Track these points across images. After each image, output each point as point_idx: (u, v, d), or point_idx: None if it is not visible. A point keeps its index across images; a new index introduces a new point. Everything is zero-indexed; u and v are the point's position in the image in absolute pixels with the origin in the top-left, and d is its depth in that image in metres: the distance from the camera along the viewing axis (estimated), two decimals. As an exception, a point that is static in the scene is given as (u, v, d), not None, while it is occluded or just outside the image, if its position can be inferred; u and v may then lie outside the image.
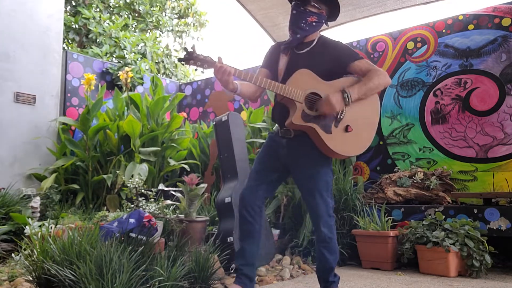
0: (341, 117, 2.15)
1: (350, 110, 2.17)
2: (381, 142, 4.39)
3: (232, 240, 3.05)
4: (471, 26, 4.02)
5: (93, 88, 4.73)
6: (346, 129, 2.16)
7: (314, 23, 2.23)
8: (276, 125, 2.37)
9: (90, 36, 7.19)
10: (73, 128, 5.17)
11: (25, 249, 2.49)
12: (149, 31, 8.87)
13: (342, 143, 2.15)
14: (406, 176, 3.91)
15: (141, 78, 5.98)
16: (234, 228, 3.09)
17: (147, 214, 2.64)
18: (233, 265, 2.67)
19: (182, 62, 2.11)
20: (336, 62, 2.23)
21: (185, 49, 2.10)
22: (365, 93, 2.15)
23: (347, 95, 2.10)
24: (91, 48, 6.64)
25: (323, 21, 2.28)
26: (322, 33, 2.38)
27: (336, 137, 2.14)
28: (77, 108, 5.40)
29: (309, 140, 2.20)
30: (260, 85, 2.13)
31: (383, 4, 4.42)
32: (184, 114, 5.33)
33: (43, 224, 2.90)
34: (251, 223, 2.23)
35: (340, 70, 2.24)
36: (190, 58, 2.08)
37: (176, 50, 9.43)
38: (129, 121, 4.57)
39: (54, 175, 4.46)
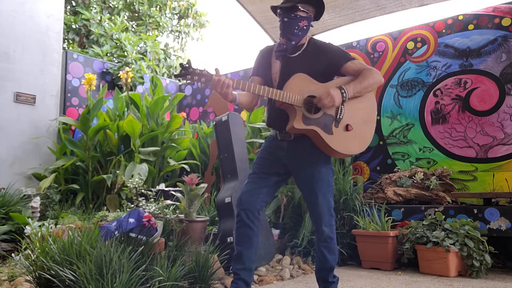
0: (340, 117, 2.19)
1: (348, 109, 2.21)
2: (381, 142, 4.39)
3: (232, 240, 3.04)
4: (471, 26, 4.02)
5: (94, 88, 4.73)
6: (347, 128, 2.20)
7: (305, 27, 2.26)
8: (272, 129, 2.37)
9: (91, 37, 7.18)
10: (73, 128, 5.18)
11: (25, 249, 2.49)
12: (148, 31, 8.85)
13: (344, 142, 2.19)
14: (406, 176, 3.90)
15: (142, 78, 5.97)
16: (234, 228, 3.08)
17: (146, 213, 2.64)
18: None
19: (179, 78, 2.11)
20: (329, 63, 2.26)
21: (181, 64, 2.05)
22: (360, 91, 2.21)
23: (344, 91, 2.15)
24: (92, 48, 6.63)
25: (311, 23, 2.32)
26: (320, 36, 2.40)
27: (337, 137, 2.17)
28: (77, 108, 5.40)
29: (309, 141, 2.22)
30: (259, 93, 2.13)
31: (382, 7, 4.42)
32: (184, 114, 5.32)
33: (43, 224, 2.89)
34: (250, 227, 2.20)
35: (332, 71, 2.28)
36: (187, 73, 2.04)
37: (174, 50, 9.42)
38: (129, 121, 4.57)
39: (53, 175, 4.47)
